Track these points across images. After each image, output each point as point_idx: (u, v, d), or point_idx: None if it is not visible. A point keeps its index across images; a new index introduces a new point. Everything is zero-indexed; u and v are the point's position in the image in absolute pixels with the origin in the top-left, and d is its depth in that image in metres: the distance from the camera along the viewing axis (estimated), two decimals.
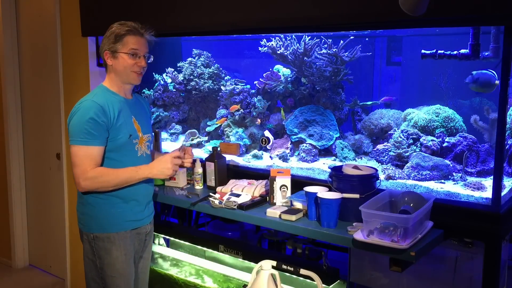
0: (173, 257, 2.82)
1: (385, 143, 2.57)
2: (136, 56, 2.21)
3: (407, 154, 2.43)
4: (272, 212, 2.21)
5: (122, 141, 2.18)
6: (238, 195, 2.37)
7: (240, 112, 3.02)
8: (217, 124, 3.16)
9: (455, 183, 2.26)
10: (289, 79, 2.97)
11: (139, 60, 2.22)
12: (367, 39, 2.89)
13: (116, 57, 2.20)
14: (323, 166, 2.59)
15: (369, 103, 2.89)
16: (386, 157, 2.51)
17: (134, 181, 2.19)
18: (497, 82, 2.28)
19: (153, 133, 2.50)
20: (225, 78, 3.36)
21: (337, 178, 2.17)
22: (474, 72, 2.33)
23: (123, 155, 2.21)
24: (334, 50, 2.72)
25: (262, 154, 2.86)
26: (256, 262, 2.13)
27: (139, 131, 2.27)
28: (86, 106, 2.12)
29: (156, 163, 2.22)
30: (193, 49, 3.46)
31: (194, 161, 2.66)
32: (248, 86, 3.13)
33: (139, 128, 2.27)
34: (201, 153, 3.04)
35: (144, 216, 2.33)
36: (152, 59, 2.30)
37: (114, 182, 2.15)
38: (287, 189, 2.33)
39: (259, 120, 2.92)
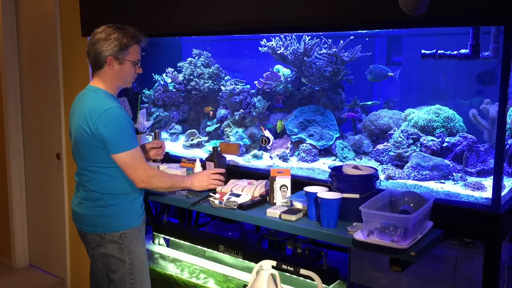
0: (173, 257, 2.82)
1: (385, 143, 2.57)
2: (137, 65, 2.31)
3: (407, 154, 2.43)
4: (272, 212, 2.21)
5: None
6: (238, 195, 2.37)
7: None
8: (207, 112, 3.19)
9: (455, 183, 2.26)
10: (289, 79, 2.97)
11: (139, 68, 2.32)
12: (367, 39, 2.89)
13: (123, 63, 2.25)
14: (323, 166, 2.59)
15: (369, 103, 2.89)
16: (386, 157, 2.51)
17: (179, 187, 2.40)
18: (390, 73, 2.77)
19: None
20: (225, 78, 3.36)
21: (337, 178, 2.17)
22: (370, 66, 2.78)
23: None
24: (334, 50, 2.72)
25: (262, 154, 2.86)
26: (256, 262, 2.13)
27: None
28: (117, 113, 2.17)
29: (196, 176, 2.45)
30: (193, 49, 3.46)
31: (193, 160, 2.67)
32: (248, 86, 3.14)
33: None
34: (201, 153, 3.05)
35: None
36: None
37: (169, 183, 2.33)
38: (287, 189, 2.33)
39: (263, 129, 2.91)
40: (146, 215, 2.49)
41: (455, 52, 2.25)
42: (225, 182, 2.62)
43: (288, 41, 2.84)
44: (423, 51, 2.35)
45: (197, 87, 3.31)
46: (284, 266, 2.18)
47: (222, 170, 2.54)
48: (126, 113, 2.22)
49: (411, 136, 2.47)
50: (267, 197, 2.39)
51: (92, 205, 2.25)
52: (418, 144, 2.44)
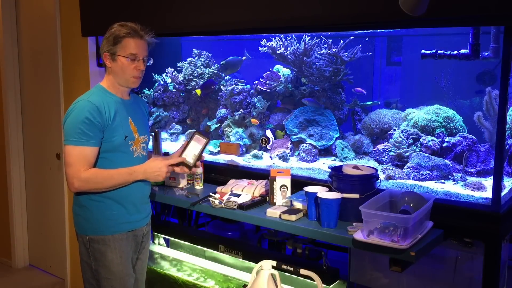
0: (173, 257, 2.82)
1: (385, 143, 2.57)
2: (135, 60, 2.17)
3: (407, 154, 2.43)
4: (272, 212, 2.21)
5: (117, 142, 2.16)
6: (238, 195, 2.37)
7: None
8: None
9: (455, 183, 2.26)
10: (289, 79, 2.97)
11: (138, 63, 2.18)
12: (367, 39, 2.89)
13: (115, 60, 2.16)
14: (323, 166, 2.59)
15: (369, 103, 2.89)
16: (386, 157, 2.51)
17: (128, 183, 2.18)
18: (243, 57, 3.05)
19: (150, 135, 2.48)
20: (225, 78, 3.36)
21: (337, 178, 2.17)
22: (222, 62, 3.16)
23: (118, 156, 2.18)
24: (334, 50, 2.72)
25: (262, 154, 2.86)
26: (256, 262, 2.13)
27: (135, 132, 2.24)
28: (82, 106, 2.10)
29: (151, 165, 2.19)
30: (193, 49, 3.46)
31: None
32: (248, 86, 3.13)
33: (135, 129, 2.24)
34: None
35: (141, 218, 2.31)
36: (151, 62, 2.26)
37: (108, 184, 2.14)
38: (287, 189, 2.33)
39: (256, 121, 2.91)
40: None
41: (455, 52, 2.25)
42: (225, 182, 2.62)
43: (288, 41, 2.84)
44: (423, 51, 2.35)
45: (197, 87, 3.31)
46: (284, 266, 2.18)
47: (181, 159, 2.23)
48: (98, 109, 2.08)
49: (411, 136, 2.47)
50: (267, 197, 2.39)
51: (74, 201, 2.25)
52: (418, 144, 2.44)
